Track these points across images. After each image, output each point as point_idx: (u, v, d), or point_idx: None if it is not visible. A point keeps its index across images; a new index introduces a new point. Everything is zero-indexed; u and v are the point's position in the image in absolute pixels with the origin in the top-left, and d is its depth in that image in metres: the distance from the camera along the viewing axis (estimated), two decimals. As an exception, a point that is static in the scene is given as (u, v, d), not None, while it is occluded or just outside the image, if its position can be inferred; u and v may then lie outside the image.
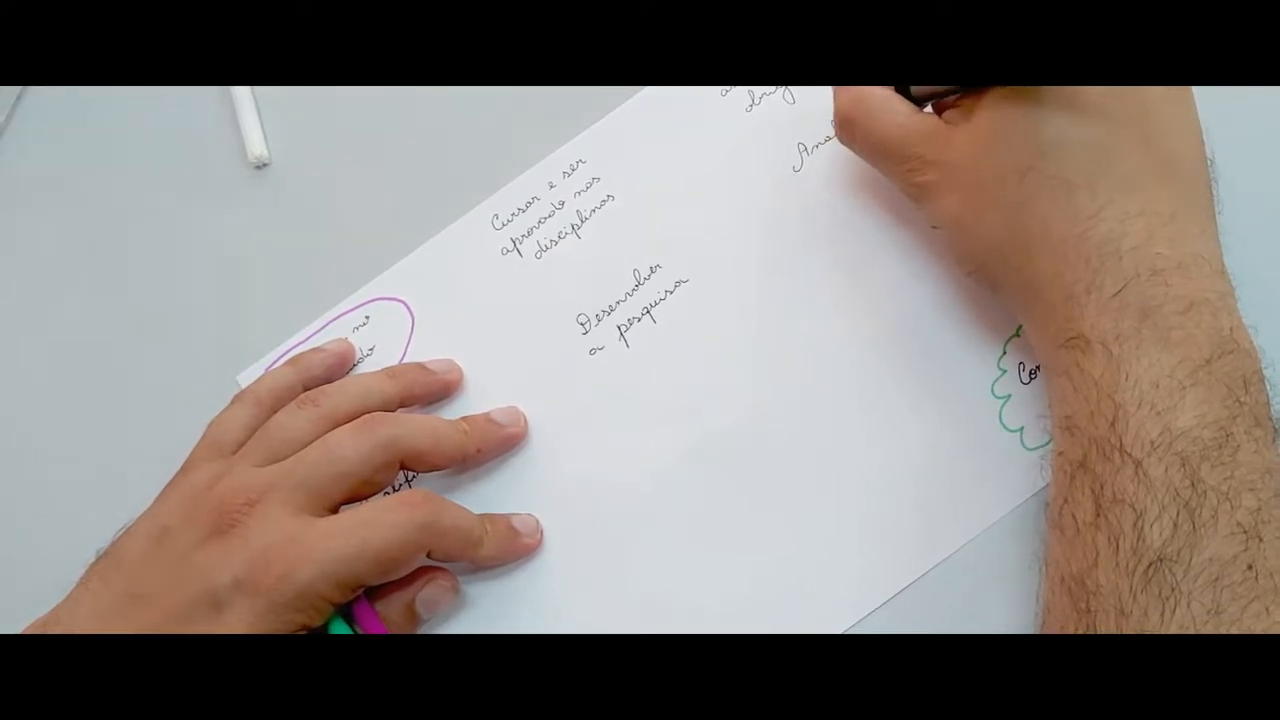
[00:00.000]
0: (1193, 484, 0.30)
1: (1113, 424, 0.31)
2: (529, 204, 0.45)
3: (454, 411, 0.43)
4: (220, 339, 0.46)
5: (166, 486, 0.39)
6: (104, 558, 0.38)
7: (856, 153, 0.39)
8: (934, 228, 0.38)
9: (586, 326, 0.43)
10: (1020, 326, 0.40)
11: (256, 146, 0.48)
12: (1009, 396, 0.39)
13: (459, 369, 0.43)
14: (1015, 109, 0.34)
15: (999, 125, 0.34)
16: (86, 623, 0.36)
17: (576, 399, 0.42)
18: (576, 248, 0.44)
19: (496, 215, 0.45)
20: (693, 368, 0.42)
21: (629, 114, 0.46)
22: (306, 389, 0.42)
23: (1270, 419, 0.31)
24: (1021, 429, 0.39)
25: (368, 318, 0.45)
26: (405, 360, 0.44)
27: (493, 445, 0.41)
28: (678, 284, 0.43)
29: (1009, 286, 0.35)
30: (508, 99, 0.47)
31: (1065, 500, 0.32)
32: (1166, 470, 0.30)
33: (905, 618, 0.38)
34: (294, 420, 0.39)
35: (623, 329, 0.43)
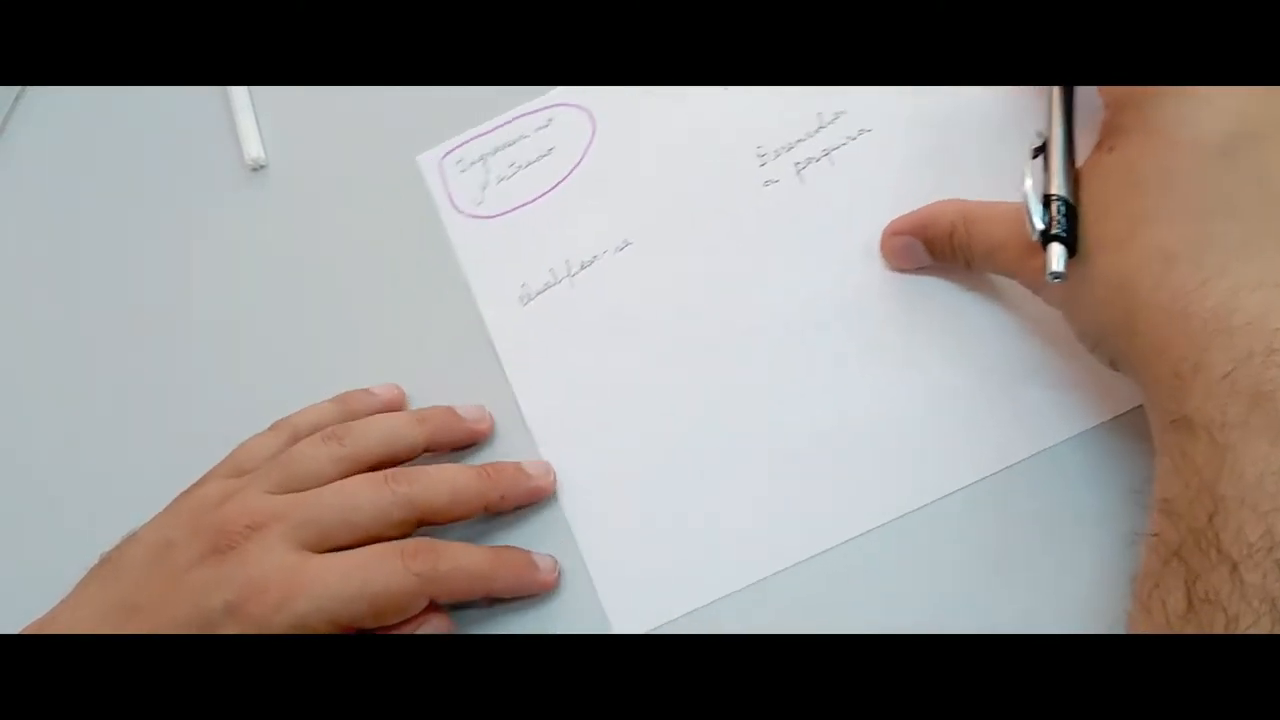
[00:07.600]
0: None
1: (1211, 518, 0.29)
2: None
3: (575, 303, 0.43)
4: (215, 340, 0.46)
5: (178, 496, 0.39)
6: (106, 563, 0.38)
7: (967, 266, 0.39)
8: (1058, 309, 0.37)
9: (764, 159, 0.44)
10: None
11: (253, 148, 0.48)
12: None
13: (489, 418, 0.42)
14: (1113, 182, 0.33)
15: (1099, 199, 0.33)
16: (83, 627, 0.36)
17: (744, 232, 0.43)
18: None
19: None
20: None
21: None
22: None
23: None
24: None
25: (550, 120, 0.46)
26: (580, 168, 0.44)
27: (517, 496, 0.40)
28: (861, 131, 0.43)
29: (1123, 362, 0.34)
30: (508, 100, 0.46)
31: (1156, 584, 0.30)
32: (1264, 577, 0.28)
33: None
34: (316, 453, 0.38)
35: (800, 166, 0.43)
